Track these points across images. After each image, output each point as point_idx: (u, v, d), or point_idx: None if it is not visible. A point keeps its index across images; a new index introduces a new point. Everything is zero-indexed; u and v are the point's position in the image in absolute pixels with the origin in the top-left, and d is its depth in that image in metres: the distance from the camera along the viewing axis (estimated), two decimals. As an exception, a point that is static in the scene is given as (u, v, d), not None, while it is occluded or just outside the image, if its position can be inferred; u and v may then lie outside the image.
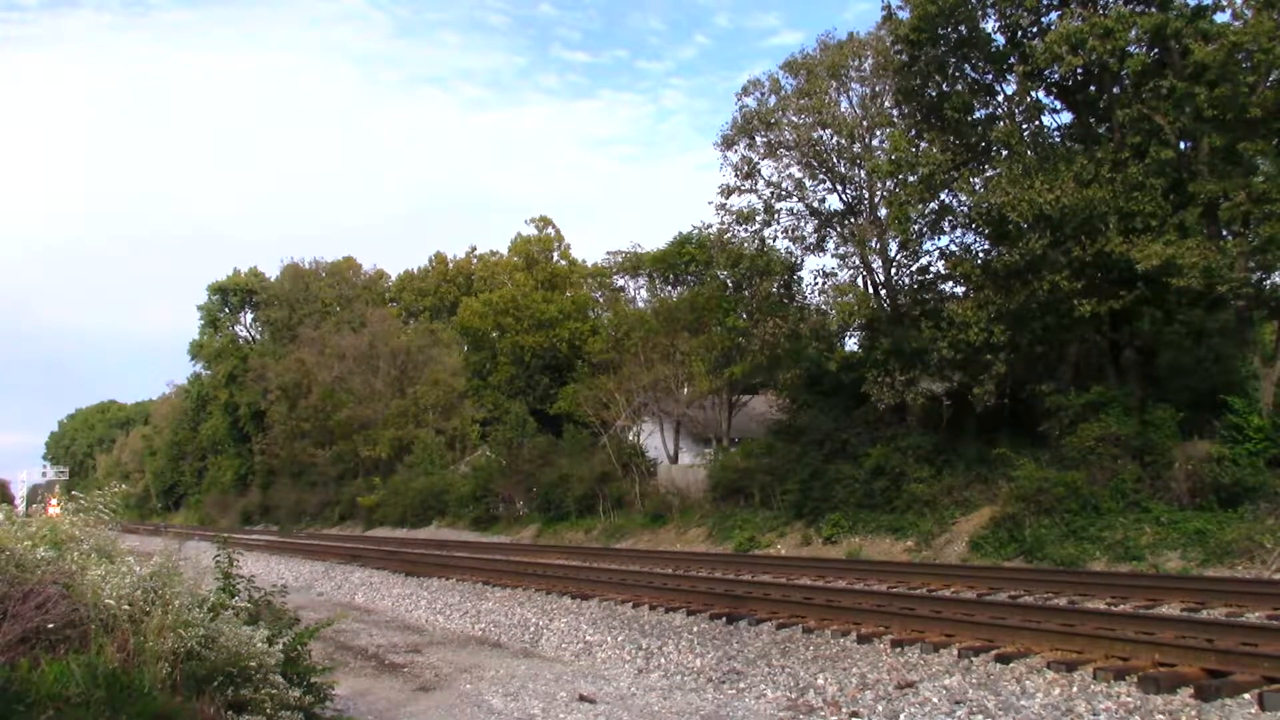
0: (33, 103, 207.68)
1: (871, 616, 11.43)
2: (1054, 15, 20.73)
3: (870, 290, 27.00)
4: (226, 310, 77.68)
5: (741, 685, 9.98)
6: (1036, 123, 22.22)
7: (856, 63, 27.33)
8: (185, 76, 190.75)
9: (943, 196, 23.74)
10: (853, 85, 27.52)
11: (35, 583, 5.97)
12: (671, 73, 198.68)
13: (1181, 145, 19.38)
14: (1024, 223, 20.12)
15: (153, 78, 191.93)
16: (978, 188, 21.89)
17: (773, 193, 28.09)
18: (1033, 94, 21.83)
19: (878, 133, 26.79)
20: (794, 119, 26.95)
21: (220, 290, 76.61)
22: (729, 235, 29.02)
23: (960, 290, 24.64)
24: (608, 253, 59.95)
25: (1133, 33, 19.23)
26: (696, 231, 39.94)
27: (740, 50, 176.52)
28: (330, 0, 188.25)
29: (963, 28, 21.60)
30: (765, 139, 27.70)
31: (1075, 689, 8.12)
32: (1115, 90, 20.35)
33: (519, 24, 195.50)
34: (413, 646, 13.98)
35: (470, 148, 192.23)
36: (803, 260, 29.08)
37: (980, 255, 23.46)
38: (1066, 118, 22.70)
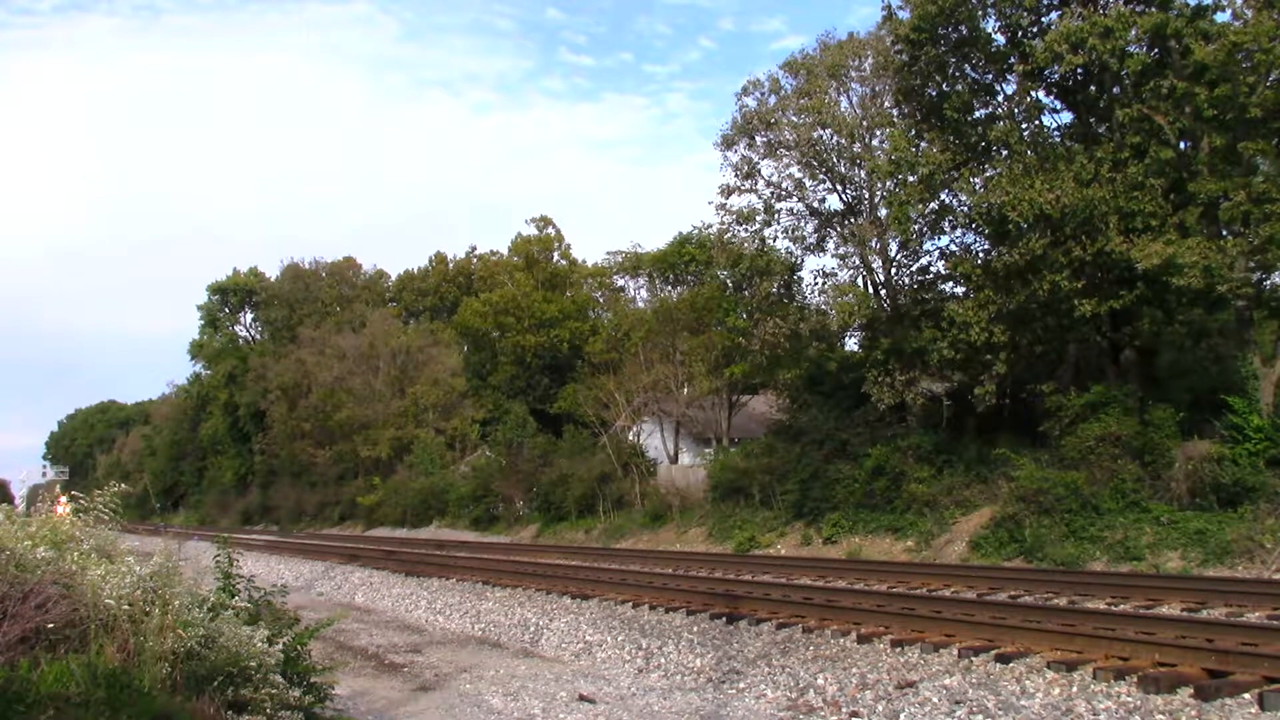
0: (39, 105, 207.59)
1: (871, 616, 11.43)
2: (1054, 15, 20.74)
3: (870, 290, 26.99)
4: (226, 310, 77.66)
5: (741, 685, 9.98)
6: (1036, 123, 22.23)
7: (856, 63, 27.32)
8: (191, 80, 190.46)
9: (943, 196, 23.74)
10: (853, 85, 27.53)
11: (35, 583, 5.97)
12: (676, 76, 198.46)
13: (1181, 145, 19.38)
14: (1024, 223, 20.13)
15: (159, 81, 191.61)
16: (978, 188, 21.89)
17: (773, 193, 28.09)
18: (1033, 94, 21.84)
19: (878, 133, 26.76)
20: (794, 119, 26.92)
21: (220, 290, 76.59)
22: (729, 235, 28.99)
23: (960, 290, 24.64)
24: (608, 253, 60.11)
25: (1133, 32, 19.24)
26: (697, 232, 40.05)
27: (745, 53, 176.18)
28: (338, 5, 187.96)
29: (963, 28, 21.61)
30: (765, 139, 27.67)
31: (1075, 689, 8.12)
32: (1115, 90, 20.35)
33: (526, 28, 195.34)
34: (412, 646, 13.99)
35: (474, 150, 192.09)
36: (803, 260, 29.05)
37: (980, 255, 23.47)
38: (1066, 118, 22.73)
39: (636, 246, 46.94)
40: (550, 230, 58.52)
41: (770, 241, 28.45)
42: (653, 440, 38.67)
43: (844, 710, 8.59)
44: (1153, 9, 19.38)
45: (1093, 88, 21.17)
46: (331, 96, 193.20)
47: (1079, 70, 20.57)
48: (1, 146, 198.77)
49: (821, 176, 27.59)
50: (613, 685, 10.55)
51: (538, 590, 16.80)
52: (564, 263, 58.30)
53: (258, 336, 77.11)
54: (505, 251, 61.42)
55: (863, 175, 27.12)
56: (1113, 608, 12.18)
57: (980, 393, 22.05)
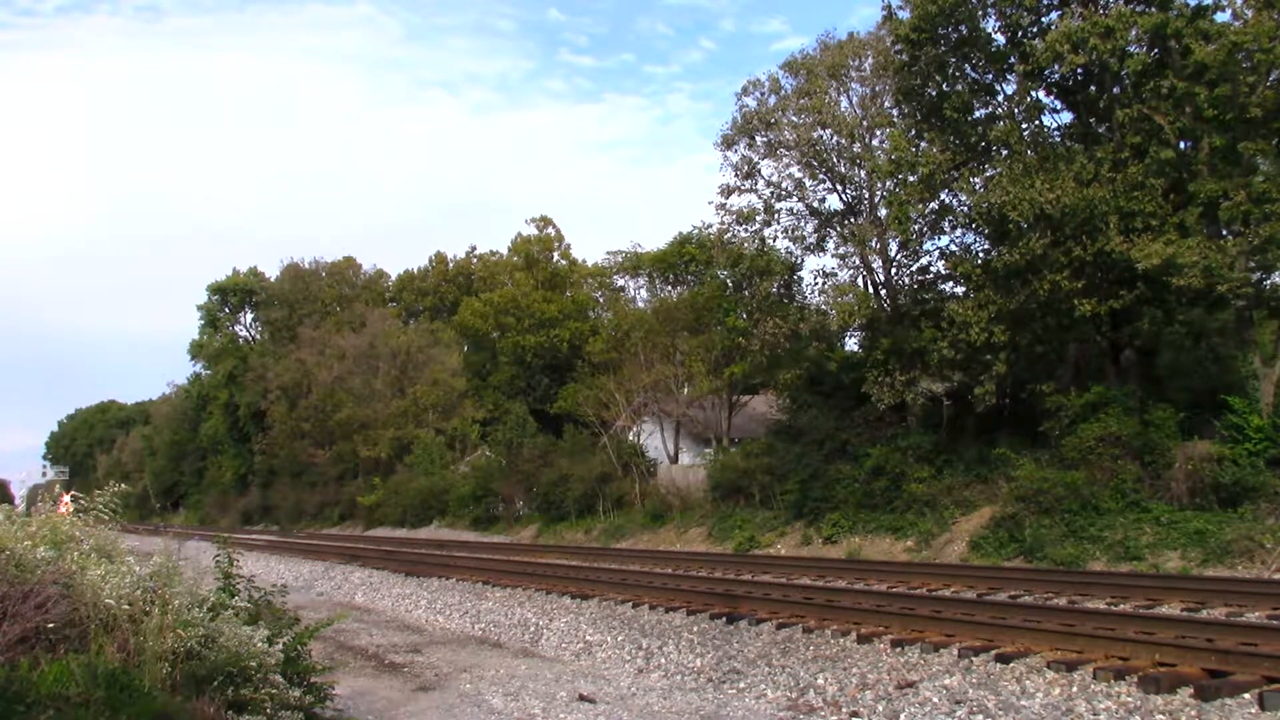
0: (40, 104, 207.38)
1: (871, 616, 11.43)
2: (1054, 15, 20.74)
3: (870, 290, 26.98)
4: (226, 310, 77.60)
5: (741, 685, 9.98)
6: (1036, 122, 22.22)
7: (856, 62, 27.31)
8: (192, 80, 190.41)
9: (943, 196, 23.73)
10: (853, 85, 27.51)
11: (35, 583, 5.97)
12: (677, 76, 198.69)
13: (1181, 145, 19.37)
14: (1024, 222, 20.12)
15: (161, 81, 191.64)
16: (978, 187, 21.89)
17: (773, 193, 28.07)
18: (1033, 94, 21.83)
19: (878, 133, 26.75)
20: (794, 119, 26.92)
21: (220, 290, 76.53)
22: (729, 235, 28.99)
23: (960, 290, 24.63)
24: (608, 253, 60.04)
25: (1133, 32, 19.24)
26: (697, 232, 40.03)
27: (745, 54, 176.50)
28: (340, 6, 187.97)
29: (963, 27, 21.60)
30: (765, 139, 27.66)
31: (1075, 689, 8.12)
32: (1115, 90, 20.34)
33: (527, 29, 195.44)
34: (412, 646, 13.99)
35: (475, 150, 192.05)
36: (803, 260, 29.04)
37: (980, 255, 23.45)
38: (1066, 118, 22.73)
39: (636, 246, 46.91)
40: (550, 230, 58.50)
41: (770, 241, 28.47)
42: (653, 440, 38.66)
43: (844, 710, 8.59)
44: (1153, 9, 19.38)
45: (1093, 88, 21.16)
46: (331, 96, 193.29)
47: (1079, 70, 20.56)
48: (2, 146, 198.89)
49: (821, 176, 27.59)
50: (613, 685, 10.55)
51: (538, 590, 16.80)
52: (564, 263, 58.26)
53: (258, 336, 77.05)
54: (505, 251, 61.41)
55: (863, 175, 27.12)
56: (1113, 608, 12.17)
57: (980, 393, 22.05)
